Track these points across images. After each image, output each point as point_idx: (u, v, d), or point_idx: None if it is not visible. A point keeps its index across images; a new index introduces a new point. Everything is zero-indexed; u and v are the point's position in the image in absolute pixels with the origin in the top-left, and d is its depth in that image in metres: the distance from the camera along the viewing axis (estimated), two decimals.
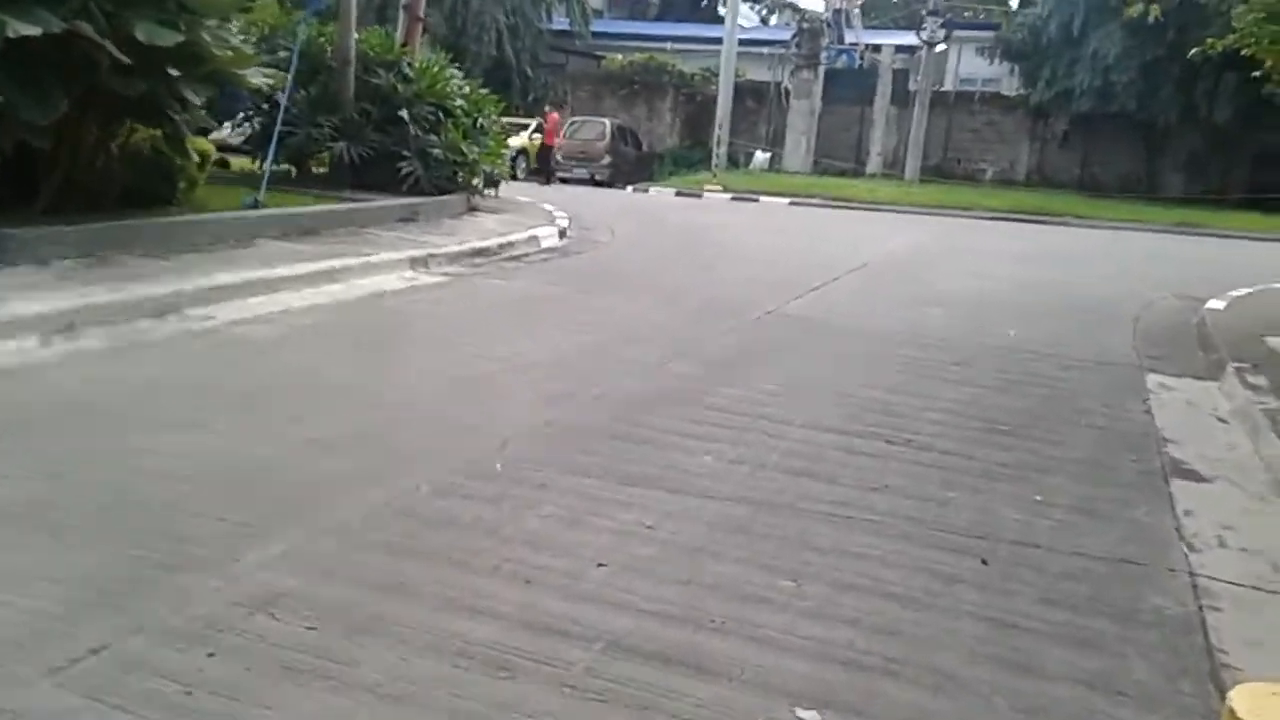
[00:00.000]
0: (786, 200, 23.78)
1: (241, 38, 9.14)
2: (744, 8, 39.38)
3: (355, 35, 12.81)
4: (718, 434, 4.90)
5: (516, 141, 24.50)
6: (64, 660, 2.58)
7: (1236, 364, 6.81)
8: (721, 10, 31.74)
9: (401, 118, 12.67)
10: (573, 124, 30.02)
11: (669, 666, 2.75)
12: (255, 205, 9.94)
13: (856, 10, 34.79)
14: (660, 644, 2.86)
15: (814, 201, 23.84)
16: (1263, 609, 3.42)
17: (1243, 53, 10.90)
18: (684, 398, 5.52)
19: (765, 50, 33.45)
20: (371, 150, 12.51)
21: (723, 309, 8.32)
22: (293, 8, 12.81)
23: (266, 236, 9.36)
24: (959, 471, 4.59)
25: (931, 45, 30.68)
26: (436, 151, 12.85)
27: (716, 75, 30.59)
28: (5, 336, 5.52)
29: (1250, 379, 6.43)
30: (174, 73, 8.15)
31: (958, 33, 32.79)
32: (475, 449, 4.39)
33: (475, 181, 13.92)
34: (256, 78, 9.18)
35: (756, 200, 23.75)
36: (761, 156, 31.66)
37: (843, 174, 30.47)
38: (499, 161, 14.49)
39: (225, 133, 14.11)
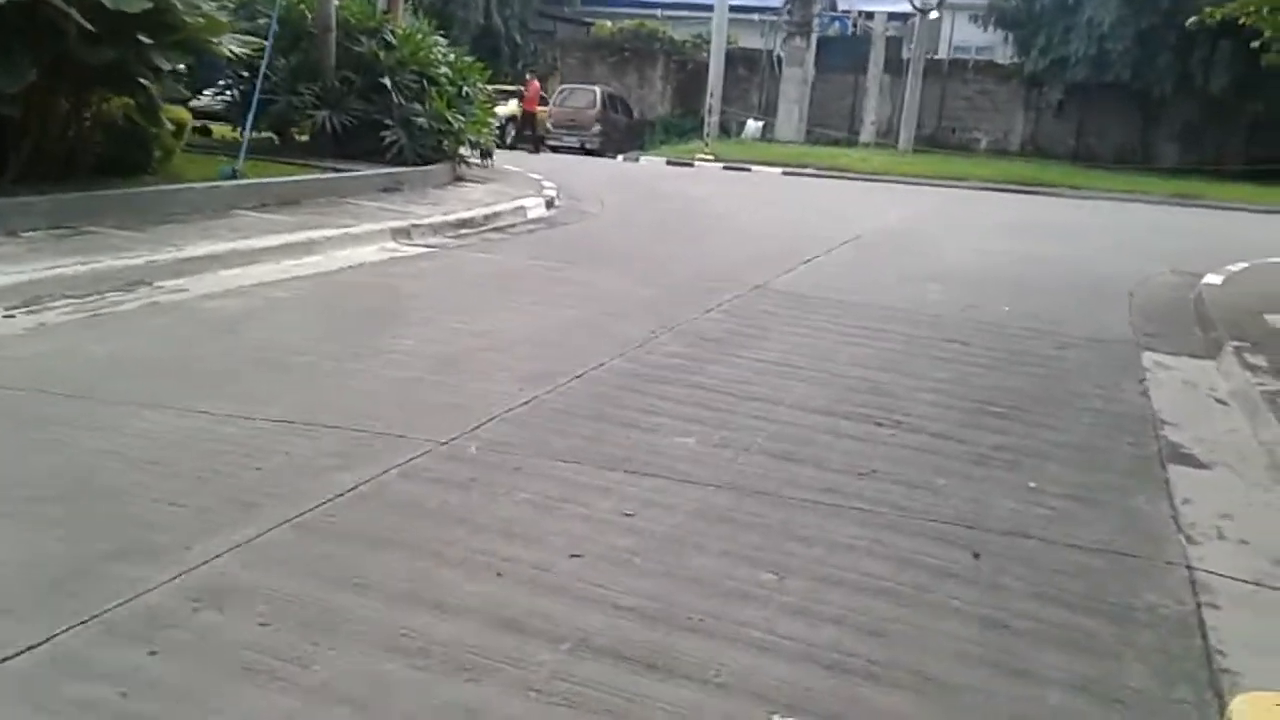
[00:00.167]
0: (779, 170, 23.56)
1: (216, 4, 8.86)
2: None
3: (336, 1, 12.53)
4: (702, 415, 4.75)
5: (504, 110, 24.19)
6: None
7: (1235, 342, 6.66)
8: None
9: (384, 86, 12.43)
10: (562, 92, 29.74)
11: (641, 668, 2.59)
12: (233, 175, 9.72)
13: None
14: (633, 643, 2.71)
15: (807, 171, 23.63)
16: (1263, 608, 3.28)
17: (1240, 22, 10.71)
18: (669, 376, 5.35)
19: (757, 17, 33.06)
20: (354, 119, 12.29)
21: (712, 283, 8.13)
22: None
23: (244, 207, 9.15)
24: (950, 456, 4.44)
25: (925, 12, 30.34)
26: (420, 120, 12.61)
27: (708, 42, 30.22)
28: None
29: (1249, 358, 6.28)
30: (145, 40, 7.93)
31: (950, 0, 32.47)
32: (450, 430, 4.22)
33: (461, 150, 13.70)
34: (231, 45, 8.93)
35: (749, 170, 23.53)
36: (754, 125, 31.39)
37: (836, 143, 30.23)
38: (485, 130, 14.23)
39: (207, 100, 13.84)
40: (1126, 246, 13.34)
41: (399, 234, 9.11)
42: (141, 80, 8.36)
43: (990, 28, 31.35)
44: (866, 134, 31.20)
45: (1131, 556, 3.56)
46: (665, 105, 33.47)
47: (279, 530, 3.19)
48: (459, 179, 13.43)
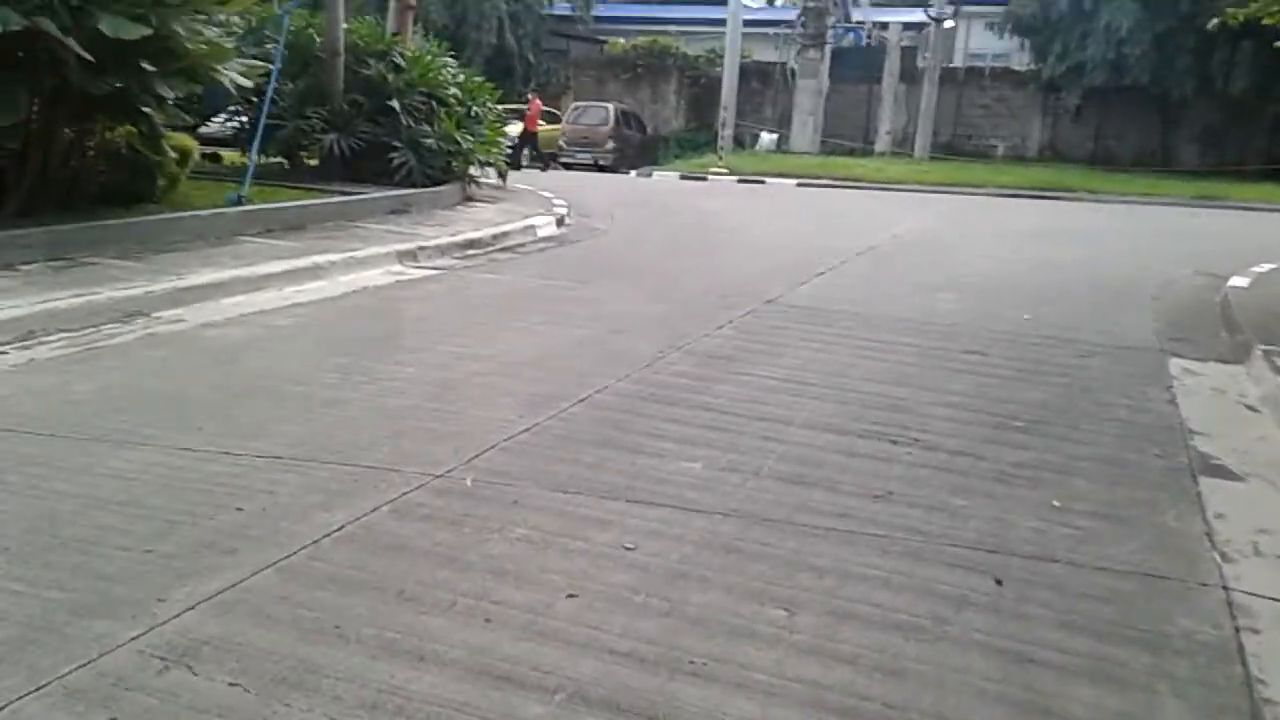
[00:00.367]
0: (794, 182, 23.38)
1: (217, 30, 8.78)
2: None
3: (344, 25, 12.47)
4: (710, 437, 4.56)
5: (516, 129, 24.10)
6: None
7: (1264, 346, 6.42)
8: None
9: (392, 108, 12.33)
10: (576, 109, 29.71)
11: None
12: (239, 201, 9.62)
13: None
14: (631, 692, 2.52)
15: (822, 182, 23.43)
16: None
17: (1264, 22, 10.49)
18: (676, 397, 5.17)
19: (771, 30, 32.99)
20: (362, 142, 12.19)
21: (724, 299, 7.95)
22: None
23: (249, 233, 9.05)
24: (969, 474, 4.23)
25: (939, 21, 30.16)
26: (429, 141, 12.52)
27: (721, 57, 30.13)
28: None
29: (1279, 362, 6.05)
30: (147, 68, 7.84)
31: (966, 8, 32.30)
32: (446, 461, 4.05)
33: (471, 170, 13.61)
34: (234, 72, 8.83)
35: (763, 182, 23.36)
36: (768, 138, 31.22)
37: (851, 153, 30.02)
38: (495, 150, 14.13)
39: (217, 126, 13.82)
40: (1148, 250, 13.08)
41: (405, 256, 8.98)
42: (144, 109, 8.27)
43: (1006, 35, 31.07)
44: (882, 144, 30.97)
45: (1163, 578, 3.35)
46: (679, 120, 33.37)
47: (257, 577, 3.01)
48: (469, 199, 13.32)
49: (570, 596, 3.00)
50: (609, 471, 4.06)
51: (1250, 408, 5.59)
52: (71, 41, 6.98)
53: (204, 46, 8.29)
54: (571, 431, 4.56)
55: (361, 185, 11.85)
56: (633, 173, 26.38)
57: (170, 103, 8.55)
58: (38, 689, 2.42)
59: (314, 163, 12.92)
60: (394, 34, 13.87)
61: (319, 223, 10.01)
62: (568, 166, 26.89)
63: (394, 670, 2.56)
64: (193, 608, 2.82)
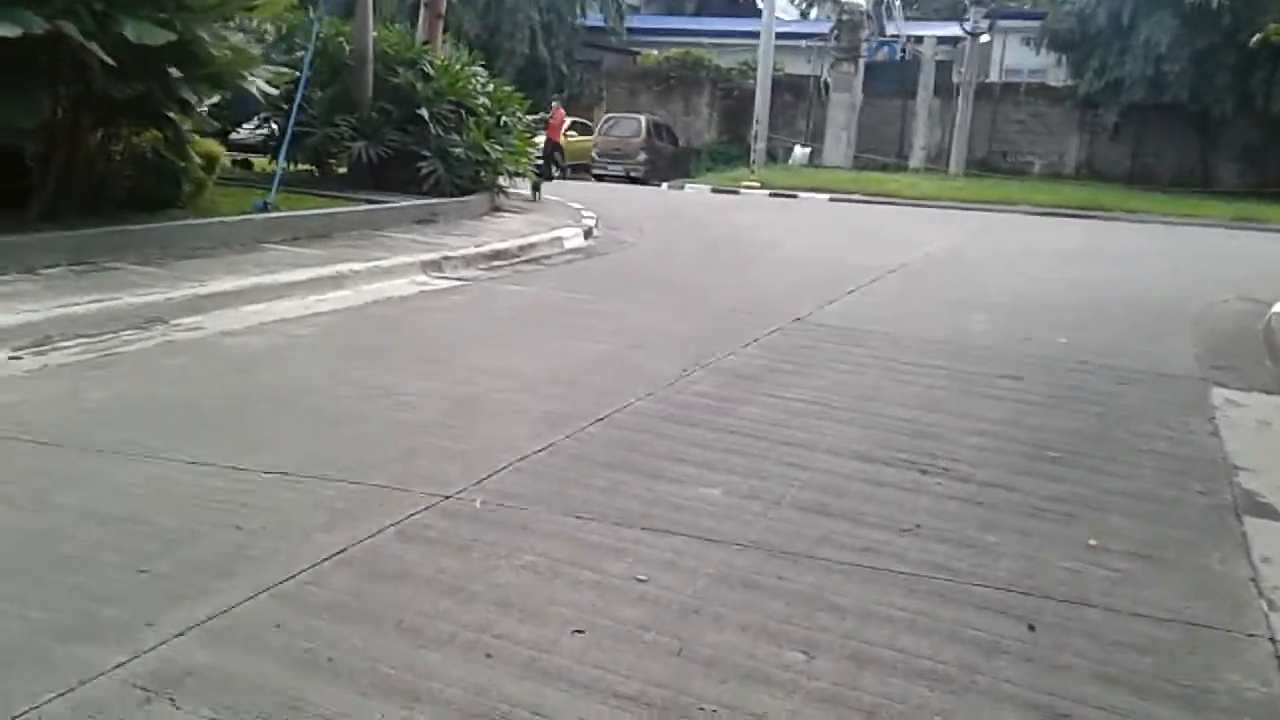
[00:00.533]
0: (826, 196, 23.19)
1: (244, 36, 8.74)
2: (782, 1, 38.81)
3: (374, 33, 12.44)
4: (732, 462, 4.41)
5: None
6: None
7: None
8: (760, 3, 31.05)
9: (421, 116, 12.27)
10: (608, 121, 29.64)
11: None
12: (264, 208, 9.57)
13: (898, 1, 34.06)
14: None
15: (854, 198, 23.22)
16: None
17: None
18: (698, 418, 5.02)
19: (804, 43, 32.78)
20: (390, 150, 12.14)
21: (751, 316, 7.80)
22: (306, 5, 12.45)
23: (273, 240, 8.98)
24: (1001, 508, 4.05)
25: (975, 36, 29.90)
26: (458, 150, 12.45)
27: (754, 69, 30.00)
28: None
29: None
30: (172, 73, 7.81)
31: (1002, 22, 31.98)
32: (456, 481, 3.92)
33: (500, 180, 13.53)
34: (261, 79, 8.77)
35: (795, 197, 23.18)
36: (800, 152, 31.02)
37: (884, 169, 29.75)
38: (524, 160, 14.05)
39: (247, 132, 13.84)
40: (1187, 272, 12.81)
41: (430, 267, 8.89)
42: (168, 114, 8.23)
43: (1043, 50, 30.70)
44: (916, 159, 30.70)
45: (1207, 627, 3.17)
46: (711, 133, 33.23)
47: (251, 602, 2.89)
48: (497, 209, 13.24)
49: (576, 632, 2.86)
50: (624, 496, 3.92)
51: None
52: (94, 45, 6.94)
53: (229, 53, 8.22)
54: (587, 452, 4.42)
55: (389, 194, 11.80)
56: (664, 185, 26.27)
57: (197, 108, 8.52)
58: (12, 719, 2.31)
59: (343, 170, 12.89)
60: (424, 42, 13.84)
61: (345, 231, 9.94)
62: (599, 178, 26.82)
63: (386, 710, 2.42)
64: (182, 634, 2.69)
